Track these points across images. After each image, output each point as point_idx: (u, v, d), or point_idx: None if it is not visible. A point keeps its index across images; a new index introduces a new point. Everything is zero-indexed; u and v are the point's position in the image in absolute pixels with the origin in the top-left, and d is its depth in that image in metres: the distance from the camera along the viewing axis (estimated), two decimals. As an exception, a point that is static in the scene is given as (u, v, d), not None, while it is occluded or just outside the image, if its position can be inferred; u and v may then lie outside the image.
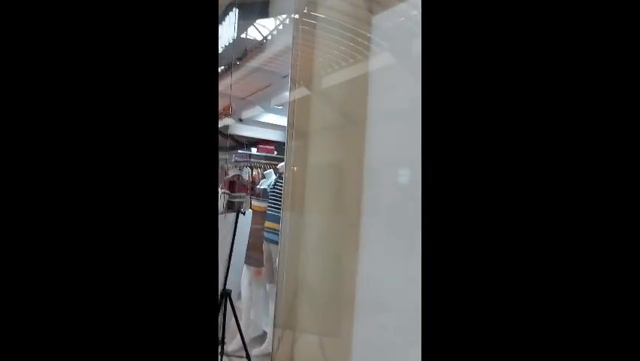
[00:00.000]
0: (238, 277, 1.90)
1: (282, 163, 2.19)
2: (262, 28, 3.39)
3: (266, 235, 2.13)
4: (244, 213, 1.65)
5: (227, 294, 1.62)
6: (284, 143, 5.13)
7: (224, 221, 1.62)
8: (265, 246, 2.16)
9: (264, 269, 2.27)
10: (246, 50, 3.35)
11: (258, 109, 4.43)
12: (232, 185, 3.19)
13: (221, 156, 5.18)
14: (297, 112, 1.72)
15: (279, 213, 2.04)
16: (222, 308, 1.63)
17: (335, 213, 1.60)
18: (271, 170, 2.52)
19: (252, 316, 2.45)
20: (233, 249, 1.66)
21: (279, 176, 2.18)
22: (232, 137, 5.24)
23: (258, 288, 2.47)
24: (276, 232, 2.05)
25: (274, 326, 1.79)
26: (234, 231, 1.65)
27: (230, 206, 2.93)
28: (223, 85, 4.04)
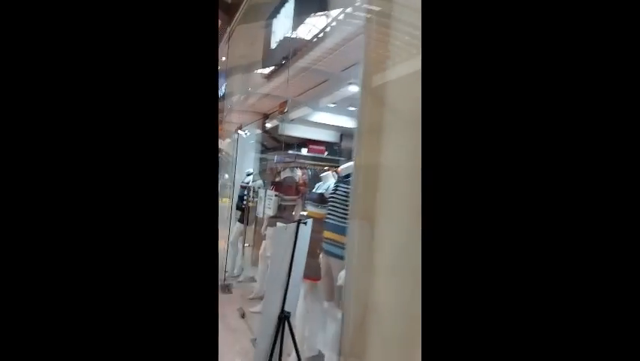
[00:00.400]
0: (296, 296, 1.67)
1: (347, 164, 1.94)
2: (313, 27, 3.19)
3: (325, 246, 1.89)
4: (306, 224, 1.41)
5: (286, 317, 1.40)
6: (335, 143, 4.90)
7: (284, 233, 1.40)
8: (324, 259, 1.92)
9: (321, 284, 2.03)
10: (294, 49, 3.18)
11: (307, 109, 4.23)
12: (282, 187, 3.01)
13: (270, 156, 5.07)
14: (369, 105, 1.46)
15: (341, 222, 1.79)
16: (280, 332, 1.41)
17: (415, 224, 1.32)
18: (329, 172, 2.28)
19: (306, 333, 2.22)
20: (293, 264, 1.43)
21: (341, 179, 1.93)
22: (279, 138, 5.10)
23: (313, 302, 2.24)
24: (337, 244, 1.80)
25: (339, 354, 1.54)
26: (294, 244, 1.42)
27: (281, 209, 2.75)
28: (274, 84, 3.90)
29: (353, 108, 4.00)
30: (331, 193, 1.91)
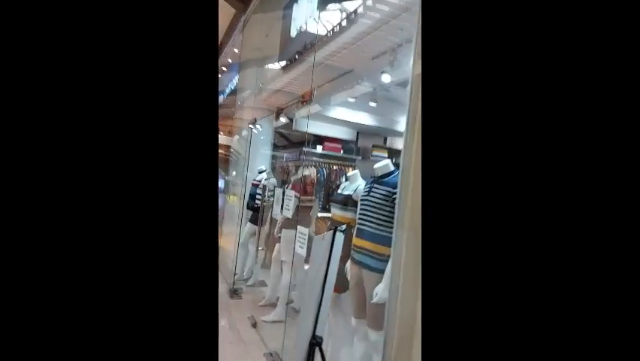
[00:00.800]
0: (327, 313, 1.44)
1: (382, 163, 1.70)
2: (327, 22, 2.96)
3: (357, 256, 1.66)
4: (343, 232, 1.19)
5: (318, 344, 1.17)
6: (351, 141, 4.67)
7: (321, 244, 1.17)
8: (354, 269, 1.69)
9: (349, 298, 1.80)
10: (305, 43, 2.96)
11: (324, 103, 4.01)
12: (300, 186, 2.79)
13: (283, 153, 4.85)
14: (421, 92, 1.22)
15: (377, 229, 1.56)
16: (311, 359, 1.18)
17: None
18: (356, 172, 2.04)
19: (328, 350, 1.99)
20: (327, 279, 1.21)
21: (375, 180, 1.69)
22: (287, 135, 4.89)
23: (336, 316, 2.01)
24: (371, 254, 1.57)
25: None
26: (330, 256, 1.19)
27: (297, 210, 2.52)
28: (289, 78, 3.69)
29: (374, 104, 3.78)
30: (364, 196, 1.68)
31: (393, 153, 4.97)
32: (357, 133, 4.88)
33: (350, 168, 4.46)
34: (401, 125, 4.70)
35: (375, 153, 4.76)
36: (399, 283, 1.20)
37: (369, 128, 4.64)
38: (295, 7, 3.03)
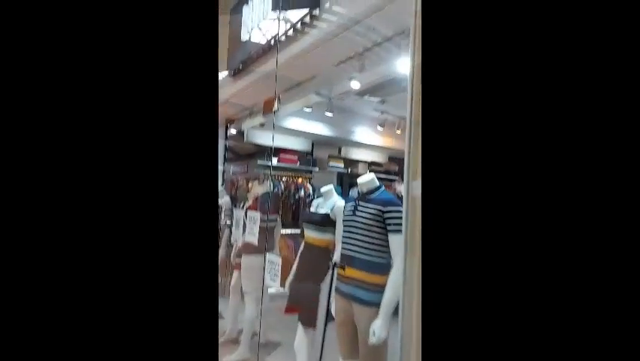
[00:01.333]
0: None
1: (366, 178, 1.49)
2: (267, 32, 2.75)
3: (345, 288, 1.42)
4: (344, 268, 0.96)
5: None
6: (306, 152, 4.43)
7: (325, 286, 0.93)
8: (343, 303, 1.44)
9: (336, 335, 1.55)
10: (251, 52, 2.72)
11: (280, 111, 3.75)
12: (263, 204, 2.51)
13: (228, 168, 4.50)
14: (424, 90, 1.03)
15: (369, 255, 1.35)
16: None
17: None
18: (331, 186, 1.82)
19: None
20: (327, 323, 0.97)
21: (361, 197, 1.48)
22: (234, 147, 4.56)
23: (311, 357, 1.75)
24: (363, 285, 1.35)
25: None
26: (329, 293, 0.95)
27: (263, 232, 2.24)
28: (239, 87, 3.40)
29: (330, 114, 3.62)
30: (349, 216, 1.46)
31: (349, 163, 4.88)
32: (313, 143, 4.69)
33: (307, 180, 4.25)
34: (356, 134, 4.53)
35: (331, 163, 4.61)
36: (412, 320, 1.00)
37: (325, 139, 4.48)
38: (245, 9, 2.77)
